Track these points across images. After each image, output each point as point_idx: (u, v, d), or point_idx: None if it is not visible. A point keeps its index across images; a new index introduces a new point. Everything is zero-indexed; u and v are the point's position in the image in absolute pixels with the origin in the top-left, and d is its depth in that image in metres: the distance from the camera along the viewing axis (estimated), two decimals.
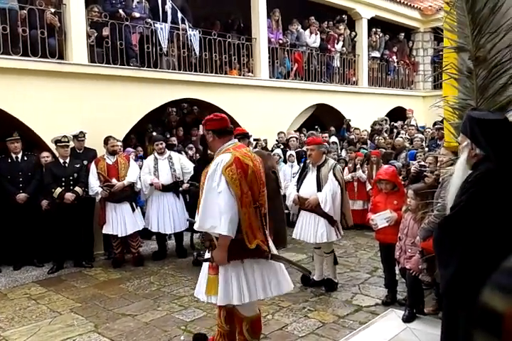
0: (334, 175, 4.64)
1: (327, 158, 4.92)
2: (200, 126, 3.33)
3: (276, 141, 9.14)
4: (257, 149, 5.54)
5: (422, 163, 4.56)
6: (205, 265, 3.15)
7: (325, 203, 4.57)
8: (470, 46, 3.40)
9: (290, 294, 4.78)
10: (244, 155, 2.98)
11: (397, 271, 4.46)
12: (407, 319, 3.90)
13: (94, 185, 5.87)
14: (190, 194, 6.21)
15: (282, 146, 8.59)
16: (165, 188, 6.16)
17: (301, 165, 5.19)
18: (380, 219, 4.31)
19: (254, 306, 3.19)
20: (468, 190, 2.41)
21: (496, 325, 1.15)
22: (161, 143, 6.25)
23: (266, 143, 9.05)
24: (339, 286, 4.93)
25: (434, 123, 8.44)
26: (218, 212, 2.80)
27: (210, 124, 3.12)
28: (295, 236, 4.96)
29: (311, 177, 4.80)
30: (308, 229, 4.76)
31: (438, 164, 4.08)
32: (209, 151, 5.20)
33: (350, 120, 10.93)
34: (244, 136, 5.13)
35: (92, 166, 5.98)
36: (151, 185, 6.11)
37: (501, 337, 1.15)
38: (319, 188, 4.67)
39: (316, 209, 4.66)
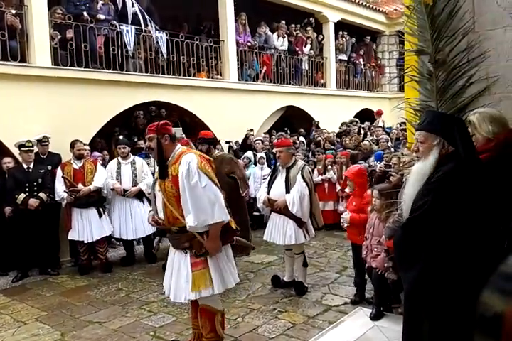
0: (302, 176, 4.67)
1: (296, 159, 4.96)
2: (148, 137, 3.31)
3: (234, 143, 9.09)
4: (220, 153, 5.49)
5: (387, 163, 4.65)
6: (179, 267, 3.18)
7: (292, 205, 4.59)
8: (430, 49, 3.50)
9: (261, 296, 4.82)
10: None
11: None
12: (374, 317, 3.95)
13: (60, 190, 5.74)
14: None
15: (235, 147, 8.58)
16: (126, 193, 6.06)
17: (272, 167, 5.20)
18: (343, 219, 4.43)
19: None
20: (432, 190, 2.44)
21: (495, 326, 1.17)
22: (124, 147, 6.15)
23: (238, 145, 9.05)
24: (309, 287, 4.96)
25: (399, 124, 8.62)
26: (209, 204, 2.99)
27: (167, 129, 3.23)
28: (266, 237, 4.97)
29: (280, 179, 4.83)
30: (278, 230, 4.78)
31: (401, 164, 4.17)
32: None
33: (318, 122, 11.06)
34: (206, 142, 5.09)
35: (58, 171, 5.85)
36: (113, 189, 6.02)
37: (501, 338, 1.17)
38: (288, 190, 4.69)
39: (284, 210, 4.68)
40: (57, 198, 5.80)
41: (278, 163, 4.98)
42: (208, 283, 3.09)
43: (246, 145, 9.14)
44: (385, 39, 14.79)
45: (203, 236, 3.07)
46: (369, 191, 4.24)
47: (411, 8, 3.66)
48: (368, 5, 13.61)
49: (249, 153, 8.44)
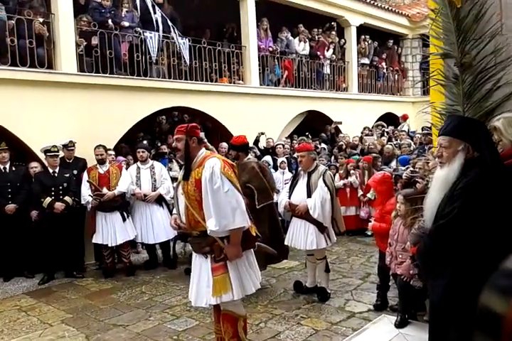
0: (324, 181, 4.64)
1: (318, 164, 4.93)
2: (174, 137, 3.35)
3: (263, 147, 9.12)
4: (249, 160, 5.29)
5: (412, 168, 4.57)
6: (200, 272, 3.19)
7: (314, 209, 4.56)
8: (455, 53, 3.44)
9: (283, 301, 4.79)
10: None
11: None
12: (399, 324, 3.89)
13: (85, 194, 5.84)
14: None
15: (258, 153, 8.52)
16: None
17: (294, 171, 5.16)
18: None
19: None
20: (460, 196, 2.39)
21: (495, 327, 1.15)
22: (143, 151, 6.20)
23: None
24: (332, 293, 4.92)
25: (422, 129, 8.50)
26: (230, 210, 2.98)
27: (195, 132, 3.24)
28: (287, 242, 4.95)
29: (301, 183, 4.80)
30: (299, 235, 4.75)
31: (427, 170, 4.11)
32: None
33: (341, 122, 10.90)
34: (234, 149, 5.09)
35: (84, 175, 5.96)
36: (133, 195, 6.09)
37: (501, 339, 1.15)
38: (309, 194, 4.67)
39: (305, 215, 4.65)
40: (82, 202, 5.90)
41: (300, 168, 4.96)
42: (228, 288, 3.09)
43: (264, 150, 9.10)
44: (408, 42, 14.63)
45: (223, 242, 3.08)
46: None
47: (436, 11, 3.61)
48: (390, 8, 13.51)
49: (267, 158, 8.43)
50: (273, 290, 5.16)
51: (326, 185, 4.63)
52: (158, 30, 7.91)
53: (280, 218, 7.74)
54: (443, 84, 3.64)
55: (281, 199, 4.99)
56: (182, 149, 3.19)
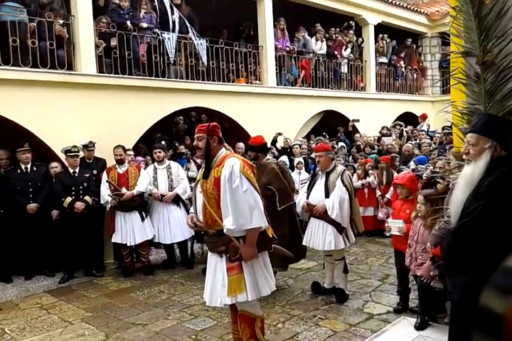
0: (342, 181, 4.60)
1: (336, 164, 4.89)
2: (194, 136, 3.37)
3: (281, 147, 9.11)
4: (268, 161, 5.25)
5: (432, 168, 4.50)
6: (215, 271, 3.18)
7: (332, 210, 4.52)
8: (477, 51, 3.38)
9: (301, 302, 4.78)
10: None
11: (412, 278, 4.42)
12: (419, 326, 3.84)
13: (105, 193, 5.90)
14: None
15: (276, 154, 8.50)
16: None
17: (312, 171, 5.12)
18: (394, 226, 4.29)
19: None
20: (485, 194, 2.36)
21: (495, 326, 1.14)
22: (160, 152, 6.23)
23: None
24: (350, 294, 4.88)
25: (443, 128, 8.37)
26: (248, 209, 2.98)
27: (216, 131, 3.27)
28: (305, 243, 4.91)
29: (319, 183, 4.77)
30: (317, 236, 4.71)
31: (447, 170, 4.04)
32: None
33: (358, 120, 10.78)
34: (253, 150, 5.10)
35: (104, 175, 6.03)
36: (150, 195, 6.13)
37: (501, 338, 1.13)
38: (327, 195, 4.63)
39: (323, 215, 4.62)
40: (102, 201, 5.97)
41: (318, 168, 4.92)
42: (243, 288, 3.08)
43: (282, 150, 9.09)
44: (427, 41, 14.45)
45: (239, 241, 3.07)
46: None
47: (457, 9, 3.56)
48: (408, 7, 13.35)
49: (284, 158, 8.41)
50: (290, 290, 5.14)
51: (345, 185, 4.59)
52: (175, 31, 7.96)
53: (298, 218, 7.77)
54: (464, 82, 3.58)
55: (299, 199, 4.96)
56: (203, 148, 3.20)
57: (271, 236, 3.23)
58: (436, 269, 3.73)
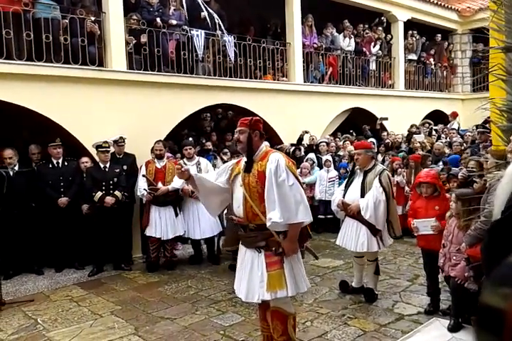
0: (380, 181, 4.43)
1: (376, 163, 4.72)
2: (236, 129, 3.36)
3: (307, 144, 9.06)
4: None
5: (470, 169, 4.37)
6: (252, 267, 3.15)
7: (365, 210, 4.39)
8: None
9: (328, 301, 4.73)
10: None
11: (440, 279, 4.34)
12: (452, 328, 3.76)
13: (141, 187, 5.98)
14: None
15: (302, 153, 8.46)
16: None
17: (350, 169, 5.01)
18: (423, 226, 4.19)
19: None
20: None
21: (497, 323, 1.09)
22: (190, 148, 6.25)
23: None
24: (379, 294, 4.81)
25: (476, 127, 8.15)
26: (294, 203, 2.98)
27: (258, 126, 3.25)
28: (338, 242, 4.78)
29: (357, 182, 4.63)
30: (350, 236, 4.60)
31: (485, 168, 3.94)
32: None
33: (387, 118, 10.60)
34: None
35: (142, 168, 6.12)
36: (181, 191, 6.15)
37: (502, 335, 1.09)
38: (363, 194, 4.50)
39: (358, 215, 4.50)
40: (138, 193, 6.08)
41: (356, 166, 4.76)
42: (283, 283, 3.05)
43: (308, 147, 9.03)
44: (458, 38, 14.12)
45: (279, 236, 3.06)
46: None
47: (498, 2, 3.46)
48: (439, 3, 13.08)
49: (311, 155, 8.36)
50: (318, 289, 5.10)
51: (382, 185, 4.42)
52: (203, 28, 7.98)
53: (324, 216, 7.72)
54: (504, 79, 3.48)
55: (335, 197, 4.84)
56: (244, 142, 3.18)
57: (310, 233, 3.23)
58: (470, 270, 3.64)
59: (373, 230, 4.46)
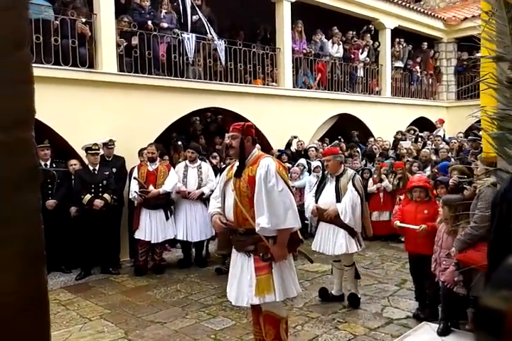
0: (354, 185, 4.55)
1: (346, 168, 4.83)
2: (228, 134, 3.38)
3: (295, 149, 9.12)
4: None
5: (461, 175, 4.44)
6: (242, 271, 3.16)
7: (344, 214, 4.47)
8: (510, 56, 3.36)
9: (318, 305, 4.76)
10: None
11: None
12: (441, 332, 3.80)
13: (133, 189, 5.95)
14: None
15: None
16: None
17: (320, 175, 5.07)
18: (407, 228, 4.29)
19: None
20: None
21: (496, 324, 1.12)
22: (192, 152, 6.26)
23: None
24: (368, 298, 4.86)
25: (467, 134, 8.28)
26: (283, 209, 2.98)
27: (251, 131, 3.27)
28: (314, 247, 4.81)
29: (329, 187, 4.69)
30: (327, 240, 4.65)
31: (475, 175, 4.02)
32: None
33: (357, 132, 10.84)
34: None
35: (134, 171, 6.10)
36: (178, 192, 6.15)
37: (502, 337, 1.12)
38: (338, 199, 4.57)
39: (335, 220, 4.55)
40: (130, 196, 6.06)
41: (326, 172, 4.85)
42: (271, 288, 3.06)
43: (296, 152, 9.09)
44: (443, 46, 14.38)
45: (268, 241, 3.06)
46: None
47: (490, 13, 3.54)
48: (425, 11, 13.32)
49: (302, 160, 8.40)
50: (308, 293, 5.12)
51: (356, 189, 4.54)
52: (193, 32, 7.99)
53: (308, 221, 7.75)
54: (495, 88, 3.56)
55: (308, 203, 4.86)
56: (236, 147, 3.20)
57: (300, 237, 3.23)
58: (460, 275, 3.70)
59: (352, 232, 4.55)
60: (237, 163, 3.26)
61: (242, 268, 3.19)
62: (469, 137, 7.48)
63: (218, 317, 4.46)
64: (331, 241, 4.61)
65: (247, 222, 3.11)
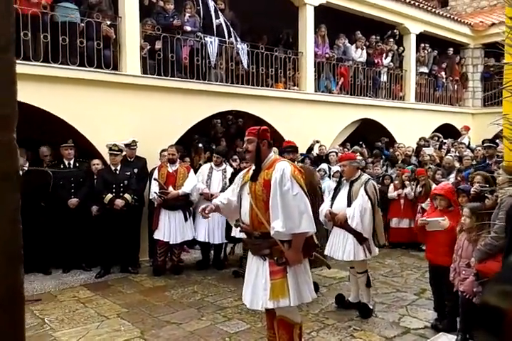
0: (365, 190, 4.52)
1: (362, 173, 4.80)
2: (244, 138, 3.40)
3: (316, 154, 9.08)
4: (301, 164, 5.49)
5: (483, 184, 4.35)
6: (257, 274, 3.16)
7: (352, 218, 4.44)
8: None
9: (334, 312, 4.72)
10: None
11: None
12: None
13: (153, 190, 6.01)
14: None
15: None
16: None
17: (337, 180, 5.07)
18: (433, 223, 4.19)
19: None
20: None
21: (496, 322, 1.10)
22: (218, 157, 6.29)
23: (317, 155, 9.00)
24: (385, 307, 4.80)
25: (483, 142, 8.11)
26: (297, 213, 2.97)
27: (266, 135, 3.29)
28: (327, 252, 4.77)
29: (343, 192, 4.70)
30: (337, 245, 4.62)
31: (497, 184, 3.94)
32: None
33: (386, 139, 10.70)
34: (294, 150, 5.16)
35: (155, 172, 6.17)
36: (201, 194, 6.18)
37: (503, 336, 1.10)
38: (350, 204, 4.55)
39: (345, 225, 4.54)
40: (150, 197, 6.12)
41: (343, 177, 4.85)
42: (286, 293, 3.05)
43: (317, 157, 9.05)
44: (470, 52, 14.15)
45: (284, 245, 3.06)
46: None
47: None
48: (451, 17, 13.13)
49: (324, 165, 8.35)
50: (324, 299, 5.09)
51: (368, 194, 4.51)
52: (220, 35, 8.05)
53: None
54: None
55: (323, 208, 4.85)
56: (252, 151, 3.22)
57: (316, 242, 3.21)
58: (479, 285, 3.63)
59: (360, 238, 4.49)
60: (253, 167, 3.27)
61: (257, 271, 3.20)
62: (485, 144, 7.32)
63: (233, 320, 4.47)
64: (341, 246, 4.60)
65: (263, 226, 3.11)
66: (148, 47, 7.28)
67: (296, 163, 5.29)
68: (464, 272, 3.79)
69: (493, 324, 1.14)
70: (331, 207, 4.73)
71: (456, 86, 13.69)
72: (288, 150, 5.17)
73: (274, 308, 3.14)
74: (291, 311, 3.21)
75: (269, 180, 3.08)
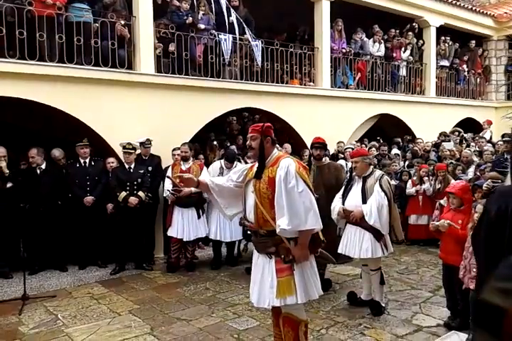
0: (381, 186, 4.42)
1: (374, 169, 4.71)
2: (248, 135, 3.37)
3: (335, 150, 9.00)
4: (329, 161, 5.49)
5: (495, 179, 4.23)
6: (263, 272, 3.14)
7: (369, 215, 4.33)
8: None
9: (346, 309, 4.67)
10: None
11: None
12: None
13: (166, 187, 6.05)
14: None
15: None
16: None
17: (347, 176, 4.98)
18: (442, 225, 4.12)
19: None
20: None
21: (496, 324, 1.05)
22: (228, 164, 6.25)
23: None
24: (398, 304, 4.72)
25: (502, 136, 7.87)
26: (303, 210, 2.94)
27: (270, 132, 3.25)
28: (340, 250, 4.66)
29: (356, 189, 4.59)
30: (353, 243, 4.51)
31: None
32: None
33: (409, 137, 10.53)
34: (322, 147, 5.18)
35: (169, 170, 6.19)
36: None
37: (502, 336, 1.05)
38: (364, 200, 4.45)
39: (360, 222, 4.43)
40: (164, 194, 6.16)
41: (354, 173, 4.73)
42: (293, 290, 3.03)
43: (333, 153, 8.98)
44: (493, 44, 13.77)
45: (289, 243, 3.04)
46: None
47: None
48: (473, 8, 12.79)
49: (342, 161, 8.28)
50: (336, 296, 5.04)
51: (383, 190, 4.40)
52: (232, 33, 8.04)
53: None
54: None
55: (335, 205, 4.72)
56: (256, 148, 3.19)
57: (322, 239, 3.19)
58: None
59: (377, 235, 4.40)
60: (256, 164, 3.25)
61: (263, 269, 3.17)
62: (504, 138, 7.09)
63: (243, 317, 4.47)
64: (357, 244, 4.49)
65: (268, 224, 3.08)
66: (162, 47, 7.31)
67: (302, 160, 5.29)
68: (474, 270, 3.68)
69: (492, 323, 1.10)
70: (343, 204, 4.64)
71: (478, 79, 13.34)
72: (316, 145, 5.13)
73: (281, 306, 3.12)
74: (298, 308, 3.19)
75: (274, 177, 3.04)
